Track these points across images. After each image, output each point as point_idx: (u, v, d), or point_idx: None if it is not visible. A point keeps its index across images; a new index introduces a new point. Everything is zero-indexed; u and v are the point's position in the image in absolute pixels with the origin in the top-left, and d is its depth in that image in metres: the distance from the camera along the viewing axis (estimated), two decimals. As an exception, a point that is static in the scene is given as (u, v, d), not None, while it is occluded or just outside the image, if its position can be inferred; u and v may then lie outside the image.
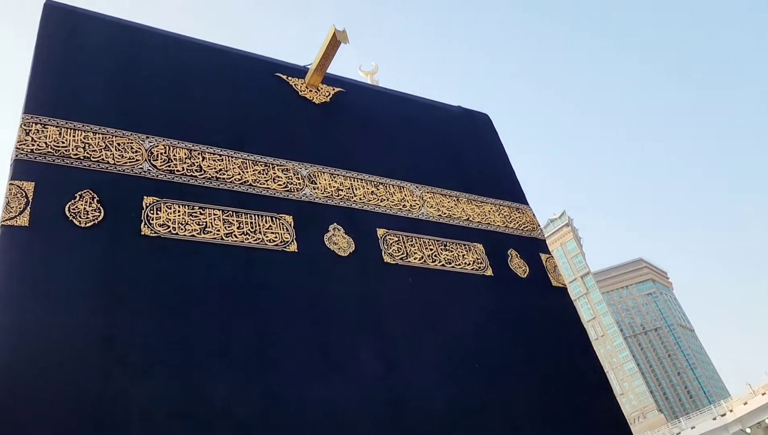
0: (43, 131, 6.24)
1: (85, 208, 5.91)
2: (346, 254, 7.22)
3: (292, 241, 6.94)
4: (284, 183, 7.47)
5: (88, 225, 5.83)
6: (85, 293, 5.43)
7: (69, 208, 5.83)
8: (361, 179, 8.25)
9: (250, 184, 7.19)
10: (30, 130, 6.18)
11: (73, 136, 6.39)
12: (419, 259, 7.75)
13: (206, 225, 6.52)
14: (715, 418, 42.35)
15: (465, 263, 8.11)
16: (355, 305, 6.84)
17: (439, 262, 7.90)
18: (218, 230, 6.55)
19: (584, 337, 8.65)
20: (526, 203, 9.87)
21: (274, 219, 7.02)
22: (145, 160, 6.67)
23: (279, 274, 6.61)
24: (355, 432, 5.87)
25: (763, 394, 39.14)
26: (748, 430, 39.89)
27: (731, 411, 41.55)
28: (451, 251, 8.14)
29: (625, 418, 8.02)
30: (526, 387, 7.29)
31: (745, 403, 40.66)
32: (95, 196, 6.04)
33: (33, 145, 6.09)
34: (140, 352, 5.34)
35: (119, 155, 6.53)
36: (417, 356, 6.79)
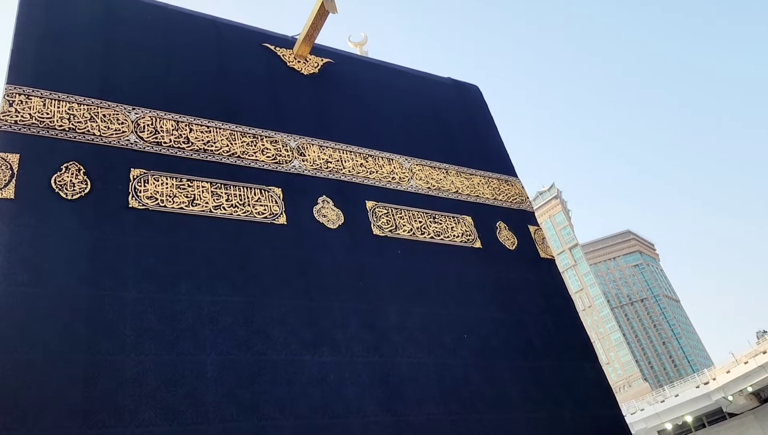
0: (27, 102, 6.16)
1: (71, 180, 5.87)
2: (335, 226, 7.24)
3: (281, 213, 6.94)
4: (273, 155, 7.44)
5: (74, 197, 5.79)
6: (72, 265, 5.43)
7: (55, 180, 5.79)
8: (350, 151, 8.23)
9: (239, 156, 7.16)
10: (13, 101, 6.10)
11: (58, 107, 6.31)
12: (408, 231, 7.78)
13: (194, 197, 6.50)
14: (698, 386, 43.09)
15: (454, 235, 8.16)
16: (344, 276, 6.88)
17: (428, 234, 7.94)
18: (207, 203, 6.53)
19: (571, 307, 8.75)
20: (515, 175, 9.90)
21: (263, 191, 7.01)
22: (132, 131, 6.61)
23: (268, 246, 6.63)
24: (343, 399, 5.94)
25: (745, 363, 39.71)
26: (730, 398, 40.62)
27: (714, 379, 42.24)
28: (440, 223, 8.17)
29: (610, 386, 8.17)
30: (513, 356, 7.39)
31: (728, 372, 41.30)
32: (81, 167, 6.00)
33: (17, 116, 6.02)
34: (130, 323, 5.36)
35: (105, 127, 6.46)
36: (405, 326, 6.85)
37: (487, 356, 7.17)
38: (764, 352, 39.02)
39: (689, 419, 43.83)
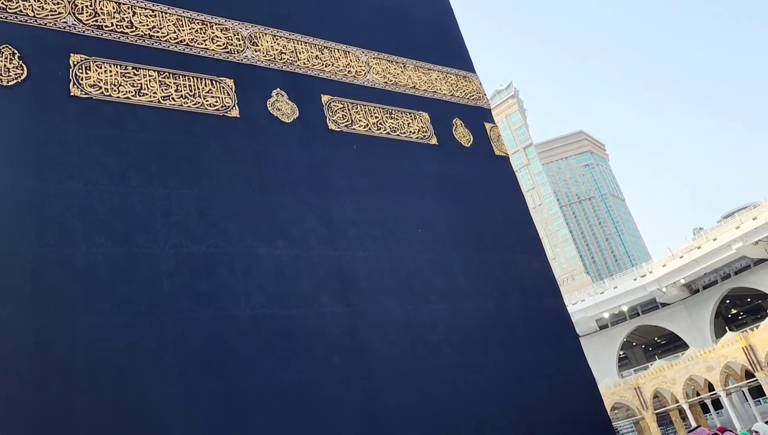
0: (-52, -23, 5.62)
1: (5, 65, 5.49)
2: (290, 120, 7.08)
3: (234, 105, 6.72)
4: (224, 44, 7.09)
5: (11, 83, 5.45)
6: (12, 154, 5.20)
7: (-12, 64, 5.41)
8: (305, 42, 7.91)
9: (187, 44, 6.80)
10: (-67, -25, 5.56)
11: (-15, -16, 5.78)
12: (364, 127, 7.69)
13: (141, 87, 6.21)
14: (635, 279, 45.76)
15: (410, 132, 8.11)
16: (299, 171, 6.82)
17: (384, 129, 7.86)
18: (155, 93, 6.26)
19: (522, 205, 8.97)
20: (474, 71, 9.76)
21: (214, 82, 6.74)
22: (69, 13, 6.16)
23: (220, 139, 6.46)
24: (300, 291, 6.07)
25: (680, 257, 42.05)
26: (664, 289, 43.41)
27: (651, 272, 44.82)
28: (397, 119, 8.09)
29: (555, 279, 8.57)
30: (464, 249, 7.61)
31: (664, 265, 43.79)
32: (15, 51, 5.60)
33: (-61, -8, 5.51)
34: (78, 216, 5.24)
35: (39, 7, 5.99)
36: (360, 220, 6.93)
37: (439, 249, 7.36)
38: (698, 248, 41.27)
39: (625, 309, 46.89)
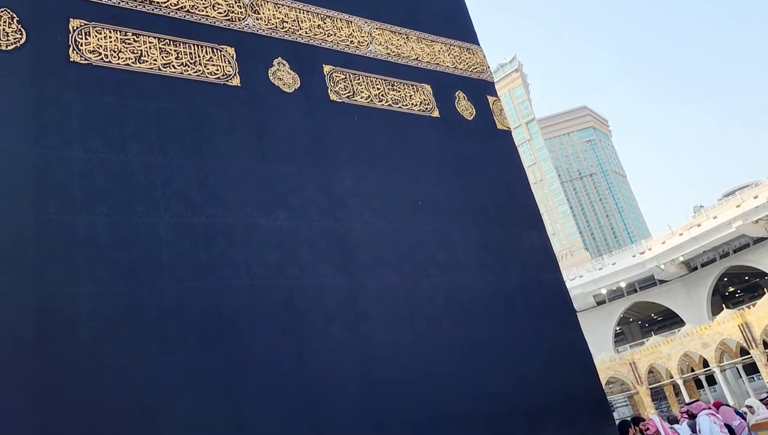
0: (-55, -62, 5.52)
1: (4, 29, 5.42)
2: (291, 90, 7.02)
3: (235, 74, 6.66)
4: (225, 11, 6.99)
5: (9, 48, 5.39)
6: (13, 120, 5.16)
7: (-14, 28, 5.34)
8: (307, 11, 7.80)
9: (188, 11, 6.70)
10: (-71, -64, 5.45)
11: (-18, -54, 5.68)
12: (366, 98, 7.62)
13: (141, 54, 6.14)
14: (634, 256, 45.86)
15: (412, 104, 8.05)
16: (300, 141, 6.78)
17: (386, 101, 7.80)
18: (155, 60, 6.19)
19: (524, 179, 8.93)
20: (478, 43, 9.64)
21: (215, 50, 6.66)
22: (68, -23, 6.05)
23: (221, 108, 6.41)
24: (300, 261, 6.09)
25: (680, 235, 42.16)
26: (663, 266, 43.62)
27: (650, 250, 44.93)
28: (399, 91, 8.02)
29: (554, 253, 8.59)
30: (465, 223, 7.61)
31: (663, 243, 43.88)
32: (14, 15, 5.52)
33: (-65, -47, 5.41)
34: (79, 184, 5.23)
35: (37, -30, 5.89)
36: (361, 192, 6.91)
37: (440, 222, 7.36)
38: (698, 225, 41.34)
39: (623, 285, 47.13)
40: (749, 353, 25.13)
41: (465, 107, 8.63)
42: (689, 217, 46.86)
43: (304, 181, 6.53)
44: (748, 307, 27.66)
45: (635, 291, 48.15)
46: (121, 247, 5.19)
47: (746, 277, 47.80)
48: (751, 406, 11.06)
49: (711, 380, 32.55)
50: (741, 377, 30.44)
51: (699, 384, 33.73)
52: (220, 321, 5.47)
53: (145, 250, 5.30)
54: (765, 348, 24.79)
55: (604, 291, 47.72)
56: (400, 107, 7.88)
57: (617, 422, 6.98)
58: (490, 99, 9.07)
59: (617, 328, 52.22)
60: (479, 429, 6.31)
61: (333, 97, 7.32)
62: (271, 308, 5.75)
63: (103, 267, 5.07)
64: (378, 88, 7.81)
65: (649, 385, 31.50)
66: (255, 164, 6.32)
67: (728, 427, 7.78)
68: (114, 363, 4.89)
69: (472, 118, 8.61)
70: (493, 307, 7.21)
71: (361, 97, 7.57)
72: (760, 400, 10.72)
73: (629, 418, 8.99)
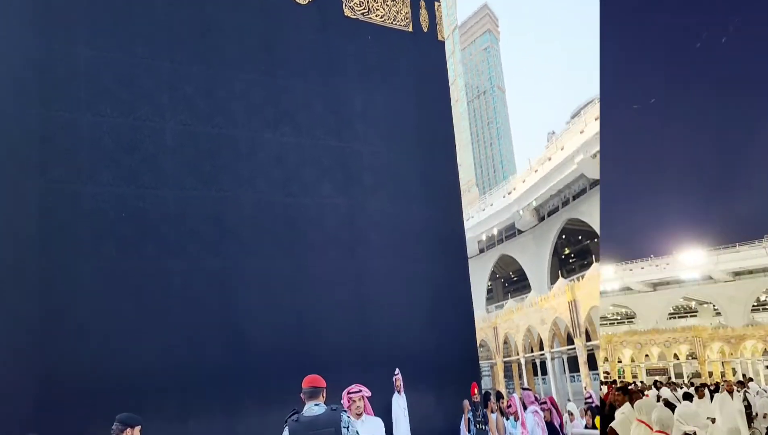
0: None
1: None
2: (304, 2, 6.78)
3: (247, -19, 6.40)
4: None
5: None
6: (16, 15, 5.05)
7: None
8: None
9: None
10: None
11: None
12: (380, 17, 7.38)
13: (152, -49, 5.88)
14: (504, 196, 38.71)
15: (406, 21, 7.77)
16: (310, 57, 6.61)
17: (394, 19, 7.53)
18: (165, -40, 5.93)
19: (447, 98, 8.19)
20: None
21: (227, -46, 6.37)
22: None
23: (231, 16, 6.21)
24: (301, 179, 6.10)
25: (535, 171, 35.08)
26: (521, 212, 37.51)
27: (515, 189, 38.66)
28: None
29: (459, 189, 8.14)
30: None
31: (524, 181, 37.27)
32: None
33: None
34: (84, 82, 5.15)
35: None
36: (368, 115, 6.80)
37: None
38: (549, 159, 34.65)
39: (495, 232, 42.51)
40: (574, 342, 20.16)
41: (424, 17, 7.93)
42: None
43: (312, 98, 6.42)
44: (578, 279, 22.17)
45: (502, 241, 42.30)
46: (125, 150, 5.18)
47: (579, 237, 42.22)
48: (571, 413, 10.32)
49: (543, 369, 26.96)
50: (565, 373, 24.65)
51: (535, 370, 28.35)
52: (221, 232, 5.54)
53: (149, 155, 5.29)
54: (587, 340, 20.05)
55: (484, 237, 42.50)
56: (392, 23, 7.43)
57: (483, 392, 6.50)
58: (436, 4, 8.30)
59: (489, 284, 47.02)
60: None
61: (348, 12, 7.09)
62: (272, 224, 5.81)
63: (106, 168, 5.08)
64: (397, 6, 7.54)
65: (504, 356, 26.39)
66: (263, 77, 6.19)
67: (551, 426, 6.87)
68: (113, 264, 4.98)
69: (426, 30, 7.91)
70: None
71: (376, 15, 7.33)
72: (583, 409, 9.29)
73: (491, 390, 7.94)
